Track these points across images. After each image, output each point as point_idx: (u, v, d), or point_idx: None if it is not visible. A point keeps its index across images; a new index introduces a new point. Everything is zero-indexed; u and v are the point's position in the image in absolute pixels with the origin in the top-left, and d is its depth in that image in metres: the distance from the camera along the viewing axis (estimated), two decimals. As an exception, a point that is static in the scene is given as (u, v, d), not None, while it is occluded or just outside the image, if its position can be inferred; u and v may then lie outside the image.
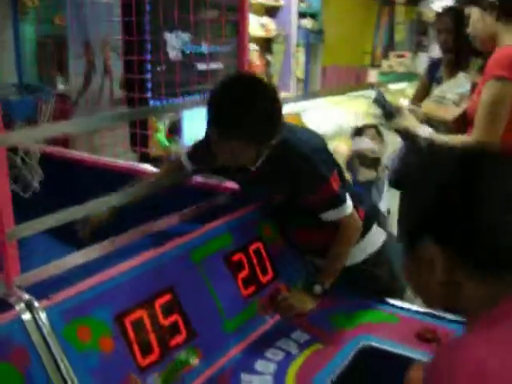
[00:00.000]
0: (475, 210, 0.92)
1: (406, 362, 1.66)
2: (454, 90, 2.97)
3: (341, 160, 3.74)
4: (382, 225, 2.25)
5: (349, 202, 2.01)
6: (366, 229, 2.15)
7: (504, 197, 0.93)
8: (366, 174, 4.10)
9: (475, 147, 1.15)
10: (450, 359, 0.89)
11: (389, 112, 2.51)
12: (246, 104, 1.76)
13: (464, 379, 0.85)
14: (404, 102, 3.16)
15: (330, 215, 2.00)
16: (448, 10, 3.36)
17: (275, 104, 1.83)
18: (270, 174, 1.97)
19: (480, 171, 0.96)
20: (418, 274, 1.03)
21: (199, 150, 2.15)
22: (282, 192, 2.02)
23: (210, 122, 1.85)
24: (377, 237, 2.20)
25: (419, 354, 1.73)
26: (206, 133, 2.01)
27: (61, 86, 3.80)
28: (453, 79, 3.01)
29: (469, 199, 0.93)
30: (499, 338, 0.90)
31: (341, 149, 5.11)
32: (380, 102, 2.54)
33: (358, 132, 4.28)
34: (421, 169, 1.08)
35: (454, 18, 3.24)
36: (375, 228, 2.20)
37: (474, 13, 2.31)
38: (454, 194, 0.95)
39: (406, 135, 2.55)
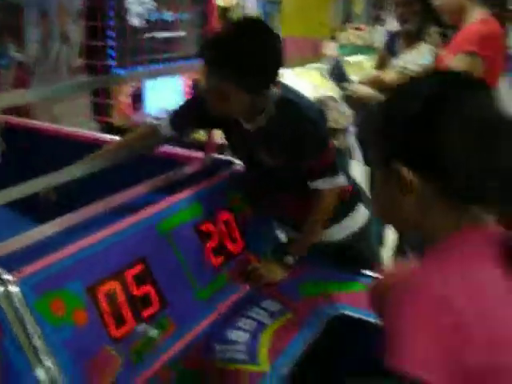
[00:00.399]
0: (437, 135, 0.95)
1: (378, 330, 1.70)
2: (417, 61, 3.00)
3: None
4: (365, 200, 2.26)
5: (342, 177, 2.01)
6: (353, 205, 2.16)
7: (464, 122, 0.96)
8: None
9: (441, 75, 1.18)
10: (410, 288, 0.95)
11: (344, 82, 2.52)
12: (235, 42, 1.75)
13: (426, 302, 0.91)
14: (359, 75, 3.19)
15: (321, 183, 1.99)
16: None
17: (270, 50, 1.80)
18: (271, 138, 1.93)
19: (443, 96, 0.98)
20: (387, 197, 1.05)
21: (184, 114, 2.09)
22: (279, 157, 1.97)
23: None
24: (362, 213, 2.21)
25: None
26: (195, 94, 1.99)
27: (15, 54, 3.68)
28: (415, 50, 3.03)
29: (431, 123, 0.96)
30: (451, 267, 0.96)
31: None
32: (335, 72, 2.54)
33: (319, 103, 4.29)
34: (390, 98, 1.09)
35: None
36: (361, 204, 2.21)
37: None
38: (419, 119, 0.97)
39: (361, 104, 2.57)
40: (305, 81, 5.90)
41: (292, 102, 1.90)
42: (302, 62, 6.15)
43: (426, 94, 0.99)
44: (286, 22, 7.05)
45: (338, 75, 2.69)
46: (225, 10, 5.84)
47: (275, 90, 1.87)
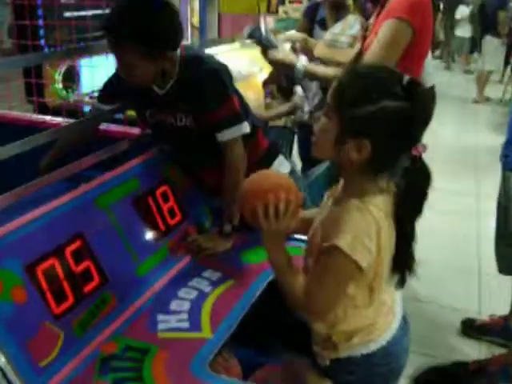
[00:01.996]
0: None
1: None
2: (346, 33, 3.04)
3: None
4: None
5: (246, 123, 2.05)
6: (271, 159, 2.22)
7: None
8: None
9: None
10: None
11: (265, 45, 2.54)
12: (132, 15, 1.84)
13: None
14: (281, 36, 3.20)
15: (226, 134, 2.03)
16: None
17: (165, 19, 1.90)
18: (179, 96, 2.01)
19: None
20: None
21: (108, 87, 2.18)
22: (187, 113, 2.04)
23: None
24: (282, 169, 2.26)
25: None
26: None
27: None
28: (343, 21, 3.07)
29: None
30: None
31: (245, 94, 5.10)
32: (255, 36, 2.55)
33: None
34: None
35: None
36: (280, 160, 2.27)
37: None
38: None
39: (282, 67, 2.59)
40: (242, 56, 5.91)
41: (193, 57, 2.03)
42: (241, 38, 6.14)
43: None
44: (225, -1, 7.00)
45: (257, 38, 2.67)
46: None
47: (178, 53, 1.97)
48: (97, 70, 3.68)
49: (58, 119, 2.43)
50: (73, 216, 1.75)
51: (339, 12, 3.17)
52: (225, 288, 1.87)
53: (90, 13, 3.58)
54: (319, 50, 2.73)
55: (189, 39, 6.06)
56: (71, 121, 2.30)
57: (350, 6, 3.20)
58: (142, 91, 2.03)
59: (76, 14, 3.51)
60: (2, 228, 1.55)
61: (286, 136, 3.77)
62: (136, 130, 2.28)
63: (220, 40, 6.63)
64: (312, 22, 3.36)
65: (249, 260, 2.02)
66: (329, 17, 3.28)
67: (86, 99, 3.58)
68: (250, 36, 2.53)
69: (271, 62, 2.57)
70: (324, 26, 3.22)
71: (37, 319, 1.51)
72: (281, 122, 3.78)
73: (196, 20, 6.41)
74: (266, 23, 3.80)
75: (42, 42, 3.28)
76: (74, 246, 1.68)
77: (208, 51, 5.74)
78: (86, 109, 3.41)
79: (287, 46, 2.75)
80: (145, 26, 1.83)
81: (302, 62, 2.47)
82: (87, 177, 1.91)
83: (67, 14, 3.50)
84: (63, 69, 3.51)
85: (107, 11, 3.68)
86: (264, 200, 1.40)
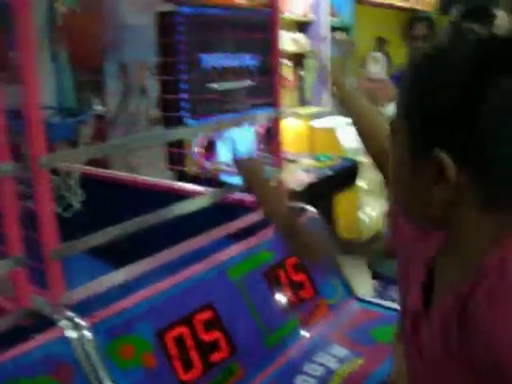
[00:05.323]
0: (490, 119, 0.79)
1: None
2: None
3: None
4: None
5: None
6: None
7: None
8: None
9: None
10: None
11: None
12: None
13: None
14: None
15: None
16: None
17: None
18: None
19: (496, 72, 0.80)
20: (416, 189, 0.90)
21: None
22: None
23: None
24: None
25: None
26: None
27: (97, 107, 3.87)
28: None
29: (481, 105, 0.79)
30: None
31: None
32: None
33: None
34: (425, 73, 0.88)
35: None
36: None
37: None
38: (465, 95, 0.81)
39: None
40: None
41: None
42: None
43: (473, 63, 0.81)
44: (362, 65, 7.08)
45: None
46: (299, 56, 5.93)
47: None
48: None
49: (198, 187, 2.52)
50: (205, 286, 1.79)
51: None
52: (353, 366, 1.82)
53: (230, 86, 3.74)
54: None
55: (327, 105, 6.14)
56: (210, 189, 2.38)
57: None
58: None
59: (220, 86, 3.68)
60: (136, 296, 1.62)
61: None
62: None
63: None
64: None
65: (378, 338, 1.96)
66: None
67: (223, 168, 3.70)
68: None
69: None
70: None
71: (164, 386, 1.54)
72: None
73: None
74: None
75: (185, 113, 3.46)
76: (204, 316, 1.71)
77: (346, 118, 5.79)
78: (224, 178, 3.53)
79: None
80: None
81: None
82: (221, 247, 1.95)
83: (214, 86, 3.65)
84: (203, 139, 3.67)
85: (245, 83, 3.87)
86: None
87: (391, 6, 7.06)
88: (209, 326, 1.71)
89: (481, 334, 0.79)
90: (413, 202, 0.92)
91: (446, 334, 0.87)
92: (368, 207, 5.65)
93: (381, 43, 7.30)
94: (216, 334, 1.72)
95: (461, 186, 0.83)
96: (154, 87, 3.61)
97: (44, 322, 1.48)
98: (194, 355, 1.63)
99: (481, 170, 0.82)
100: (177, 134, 2.35)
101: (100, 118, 3.62)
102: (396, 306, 2.19)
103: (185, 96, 3.44)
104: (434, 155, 0.82)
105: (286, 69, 5.53)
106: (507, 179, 0.82)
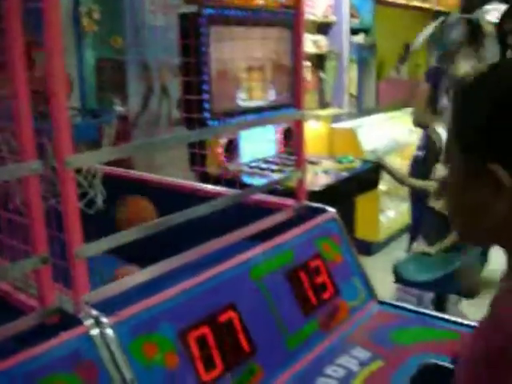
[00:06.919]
0: None
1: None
2: None
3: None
4: None
5: None
6: None
7: None
8: None
9: None
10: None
11: None
12: None
13: None
14: None
15: None
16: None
17: None
18: None
19: None
20: (474, 205, 0.90)
21: None
22: None
23: None
24: None
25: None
26: None
27: (119, 108, 3.90)
28: None
29: None
30: None
31: (398, 163, 5.10)
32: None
33: None
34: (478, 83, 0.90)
35: None
36: None
37: None
38: None
39: None
40: (400, 124, 5.87)
41: None
42: (398, 106, 6.13)
43: None
44: (382, 67, 7.07)
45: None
46: (319, 58, 5.93)
47: None
48: (256, 141, 3.85)
49: (219, 188, 2.54)
50: (227, 286, 1.80)
51: None
52: (374, 369, 1.81)
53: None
54: None
55: (347, 107, 6.13)
56: (234, 191, 2.39)
57: None
58: None
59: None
60: (160, 295, 1.63)
61: None
62: (291, 202, 2.32)
63: (377, 108, 6.65)
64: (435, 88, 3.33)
65: (400, 341, 1.95)
66: None
67: (245, 169, 3.72)
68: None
69: None
70: None
71: (186, 385, 1.55)
72: None
73: (353, 89, 6.48)
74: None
75: (207, 114, 3.48)
76: (225, 316, 1.72)
77: (366, 119, 5.80)
78: (245, 179, 3.55)
79: None
80: None
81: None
82: (243, 248, 1.96)
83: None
84: (224, 140, 3.69)
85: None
86: None
87: (413, 7, 7.04)
88: (231, 326, 1.71)
89: None
90: (472, 221, 0.92)
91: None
92: (388, 209, 5.65)
93: (406, 49, 7.30)
94: (237, 334, 1.72)
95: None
96: (175, 88, 3.63)
97: (68, 321, 1.49)
98: (215, 355, 1.64)
99: None
100: (199, 134, 2.36)
101: (123, 118, 3.65)
102: (419, 308, 2.20)
103: (206, 97, 3.46)
104: (490, 170, 0.83)
105: (306, 71, 5.53)
106: None
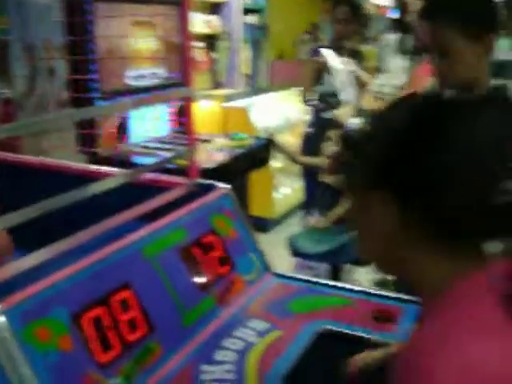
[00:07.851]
0: (433, 159, 0.82)
1: (364, 344, 1.73)
2: (390, 83, 3.10)
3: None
4: None
5: None
6: None
7: (468, 145, 0.81)
8: None
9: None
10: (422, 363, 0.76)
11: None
12: None
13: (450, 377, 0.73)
14: None
15: None
16: None
17: None
18: None
19: (438, 116, 0.84)
20: (370, 229, 0.92)
21: None
22: None
23: None
24: None
25: (377, 335, 1.80)
26: None
27: (3, 91, 3.73)
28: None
29: (426, 146, 0.82)
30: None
31: (290, 140, 5.20)
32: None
33: None
34: (375, 119, 0.96)
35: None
36: None
37: None
38: (410, 139, 0.84)
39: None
40: (295, 102, 5.98)
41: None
42: (290, 85, 6.23)
43: (416, 114, 0.86)
44: (274, 47, 7.16)
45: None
46: (212, 38, 5.92)
47: None
48: (147, 120, 3.80)
49: (111, 169, 2.49)
50: (120, 266, 1.77)
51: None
52: (271, 339, 1.85)
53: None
54: (368, 103, 2.77)
55: (240, 87, 6.17)
56: (124, 171, 2.35)
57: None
58: None
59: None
60: (50, 278, 1.58)
61: None
62: (183, 180, 2.31)
63: (270, 87, 6.73)
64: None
65: (295, 311, 2.01)
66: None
67: (136, 149, 3.67)
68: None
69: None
70: None
71: (82, 368, 1.52)
72: None
73: (246, 68, 6.53)
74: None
75: (95, 94, 3.39)
76: (120, 296, 1.70)
77: (259, 98, 5.86)
78: (138, 159, 3.50)
79: None
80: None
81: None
82: (136, 227, 1.94)
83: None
84: (115, 119, 3.61)
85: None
86: None
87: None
88: (125, 305, 1.70)
89: None
90: (375, 248, 0.94)
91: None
92: (282, 186, 5.76)
93: (314, 27, 7.46)
94: (133, 314, 1.71)
95: (407, 226, 0.85)
96: (63, 68, 3.51)
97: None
98: (111, 336, 1.62)
99: (427, 210, 0.83)
100: (84, 113, 2.29)
101: (7, 101, 3.49)
102: (313, 278, 2.27)
103: (94, 76, 3.37)
104: (380, 196, 0.86)
105: (199, 51, 5.51)
106: (453, 214, 0.82)
